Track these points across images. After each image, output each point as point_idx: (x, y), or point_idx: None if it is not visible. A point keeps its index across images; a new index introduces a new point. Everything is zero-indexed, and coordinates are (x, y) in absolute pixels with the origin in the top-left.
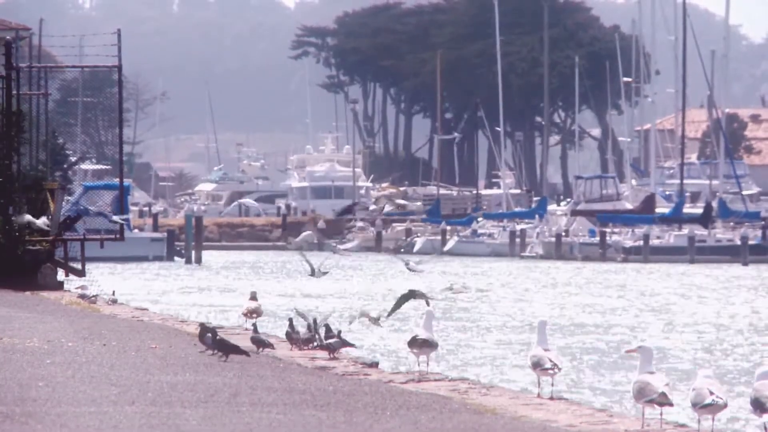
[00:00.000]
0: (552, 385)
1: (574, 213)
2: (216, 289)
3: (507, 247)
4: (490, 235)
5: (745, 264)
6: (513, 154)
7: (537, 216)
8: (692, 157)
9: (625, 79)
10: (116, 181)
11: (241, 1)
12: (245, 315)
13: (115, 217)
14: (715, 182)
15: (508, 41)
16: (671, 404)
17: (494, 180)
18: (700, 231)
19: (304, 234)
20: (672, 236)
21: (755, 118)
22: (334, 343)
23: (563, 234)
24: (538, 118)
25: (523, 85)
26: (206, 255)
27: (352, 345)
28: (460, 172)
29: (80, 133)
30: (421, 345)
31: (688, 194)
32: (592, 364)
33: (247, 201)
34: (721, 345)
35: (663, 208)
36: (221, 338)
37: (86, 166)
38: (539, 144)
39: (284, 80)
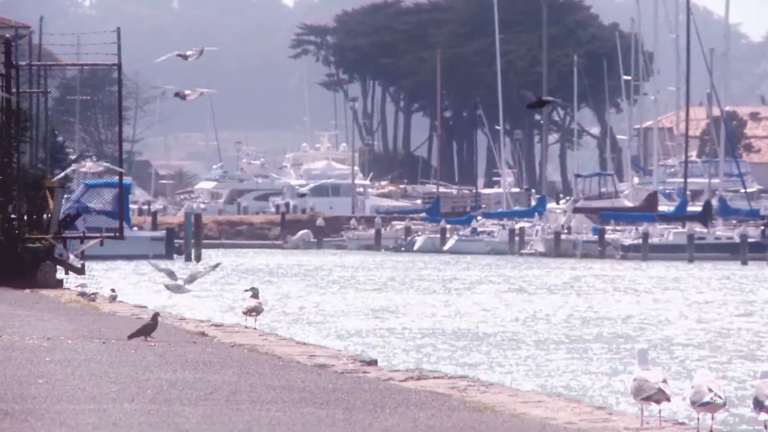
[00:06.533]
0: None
1: (576, 210)
2: (215, 286)
3: (506, 246)
4: (489, 234)
5: (745, 263)
6: (512, 152)
7: (537, 214)
8: (692, 155)
9: (625, 77)
10: (116, 179)
11: (241, 0)
12: (245, 313)
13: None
14: (716, 180)
15: (507, 40)
16: (668, 399)
17: (494, 179)
18: (700, 229)
19: (301, 233)
20: (671, 234)
21: (754, 117)
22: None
23: (565, 231)
24: (537, 117)
25: (523, 84)
26: (205, 253)
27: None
28: (460, 171)
29: (79, 131)
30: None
31: (689, 192)
32: (593, 361)
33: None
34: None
35: (663, 207)
36: None
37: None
38: (538, 142)
39: (283, 79)
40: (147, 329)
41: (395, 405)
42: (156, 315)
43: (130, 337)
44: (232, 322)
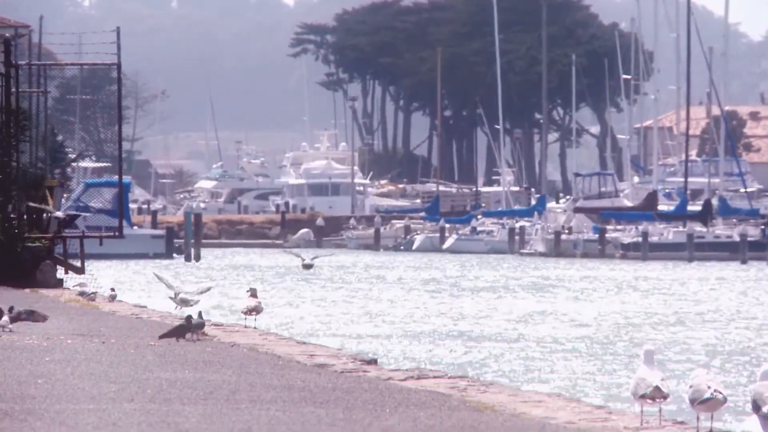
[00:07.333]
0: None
1: (577, 210)
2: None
3: (506, 245)
4: (489, 233)
5: (744, 262)
6: (512, 151)
7: (536, 213)
8: (692, 154)
9: (625, 76)
10: (116, 178)
11: (241, 0)
12: (245, 313)
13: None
14: (716, 180)
15: (506, 39)
16: (665, 397)
17: (494, 177)
18: (700, 228)
19: (301, 232)
20: (671, 233)
21: (754, 116)
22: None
23: (566, 231)
24: (537, 116)
25: (522, 83)
26: (205, 252)
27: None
28: (459, 170)
29: (79, 130)
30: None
31: (689, 192)
32: (592, 361)
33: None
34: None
35: (663, 206)
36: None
37: (85, 163)
38: (538, 141)
39: (283, 78)
40: (180, 330)
41: (395, 404)
42: (189, 317)
43: (162, 337)
44: (232, 322)
